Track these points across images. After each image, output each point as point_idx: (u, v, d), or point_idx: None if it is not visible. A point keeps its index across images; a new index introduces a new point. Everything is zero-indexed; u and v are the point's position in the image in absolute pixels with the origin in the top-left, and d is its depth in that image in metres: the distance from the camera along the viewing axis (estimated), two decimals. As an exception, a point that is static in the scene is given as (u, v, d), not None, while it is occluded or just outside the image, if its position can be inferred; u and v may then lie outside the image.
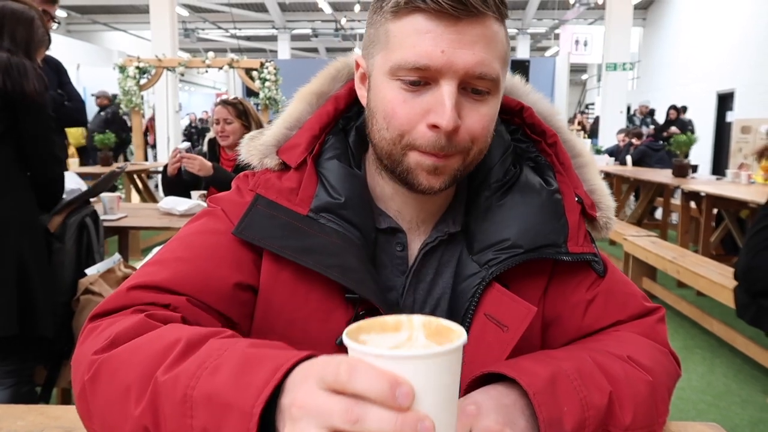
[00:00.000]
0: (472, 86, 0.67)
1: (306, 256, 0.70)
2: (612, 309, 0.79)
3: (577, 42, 13.16)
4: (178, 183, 2.91)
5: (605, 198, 0.82)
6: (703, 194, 4.56)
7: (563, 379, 0.62)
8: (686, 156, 5.36)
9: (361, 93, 0.76)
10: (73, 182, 2.45)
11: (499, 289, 0.73)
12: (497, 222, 0.76)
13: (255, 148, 0.79)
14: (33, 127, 1.74)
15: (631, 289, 0.83)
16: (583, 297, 0.78)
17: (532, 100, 0.83)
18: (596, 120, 11.83)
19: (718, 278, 2.98)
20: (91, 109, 11.82)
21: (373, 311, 0.70)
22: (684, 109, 10.19)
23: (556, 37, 16.14)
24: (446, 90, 0.65)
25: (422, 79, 0.66)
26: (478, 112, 0.68)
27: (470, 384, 0.65)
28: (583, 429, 0.60)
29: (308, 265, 0.70)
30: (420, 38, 0.65)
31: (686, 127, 9.53)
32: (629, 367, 0.69)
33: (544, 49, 21.02)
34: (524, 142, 0.83)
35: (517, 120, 0.83)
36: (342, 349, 0.71)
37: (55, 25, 3.07)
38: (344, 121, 0.81)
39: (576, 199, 0.79)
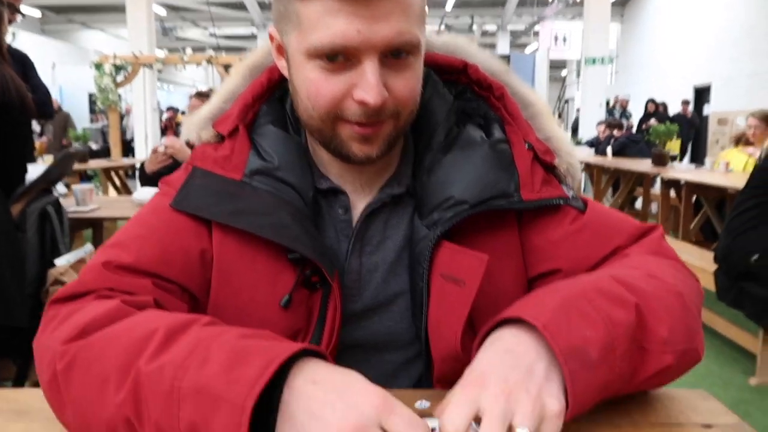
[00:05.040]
0: (393, 52, 0.65)
1: (238, 218, 0.70)
2: (606, 235, 0.75)
3: (556, 38, 13.22)
4: (158, 177, 2.87)
5: (564, 144, 0.80)
6: (682, 182, 4.58)
7: (579, 301, 0.56)
8: (664, 145, 5.38)
9: (281, 64, 0.75)
10: (38, 172, 2.38)
11: (448, 246, 0.70)
12: (440, 182, 0.74)
13: (192, 123, 0.80)
14: (2, 129, 1.74)
15: (620, 215, 0.79)
16: (567, 230, 0.75)
17: (480, 59, 0.82)
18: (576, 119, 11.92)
19: (698, 262, 2.98)
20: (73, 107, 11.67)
21: (319, 272, 0.70)
22: (665, 106, 10.31)
23: (536, 33, 16.21)
24: (369, 67, 0.64)
25: (341, 57, 0.64)
26: (403, 77, 0.67)
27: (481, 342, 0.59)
28: (612, 351, 0.54)
29: (241, 226, 0.69)
30: (332, 19, 0.62)
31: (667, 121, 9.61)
32: (653, 280, 0.63)
33: (524, 45, 21.12)
34: (474, 101, 0.81)
35: (463, 79, 0.81)
36: (286, 311, 0.71)
37: (19, 18, 2.98)
38: (281, 91, 0.81)
39: (526, 146, 0.76)
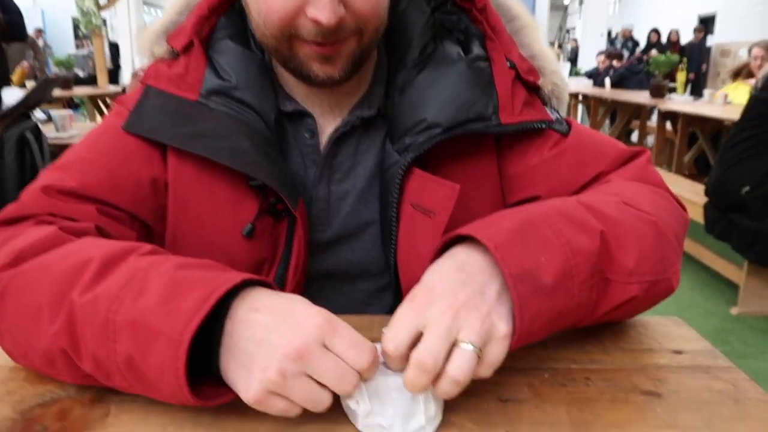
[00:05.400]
0: None
1: (194, 142, 0.65)
2: (588, 160, 0.71)
3: (559, -38, 12.69)
4: None
5: (550, 63, 0.74)
6: (679, 114, 4.51)
7: (539, 224, 0.52)
8: (667, 77, 5.27)
9: None
10: (18, 98, 2.30)
11: (419, 174, 0.67)
12: (412, 103, 0.69)
13: (145, 38, 0.73)
14: None
15: (605, 138, 0.75)
16: (547, 154, 0.71)
17: None
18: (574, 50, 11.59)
19: (689, 195, 2.97)
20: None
21: (284, 200, 0.66)
22: (677, 34, 10.03)
23: (539, -44, 15.53)
24: None
25: None
26: None
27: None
28: (570, 279, 0.51)
29: (196, 150, 0.65)
30: None
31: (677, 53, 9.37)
32: (627, 208, 0.59)
33: (526, -30, 20.30)
34: (455, 14, 0.74)
35: None
36: (250, 241, 0.68)
37: None
38: (240, 3, 0.73)
39: (508, 64, 0.71)
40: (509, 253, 0.49)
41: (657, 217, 0.60)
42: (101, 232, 0.62)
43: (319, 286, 0.76)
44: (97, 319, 0.46)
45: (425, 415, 0.47)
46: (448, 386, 0.46)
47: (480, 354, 0.47)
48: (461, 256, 0.52)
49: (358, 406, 0.47)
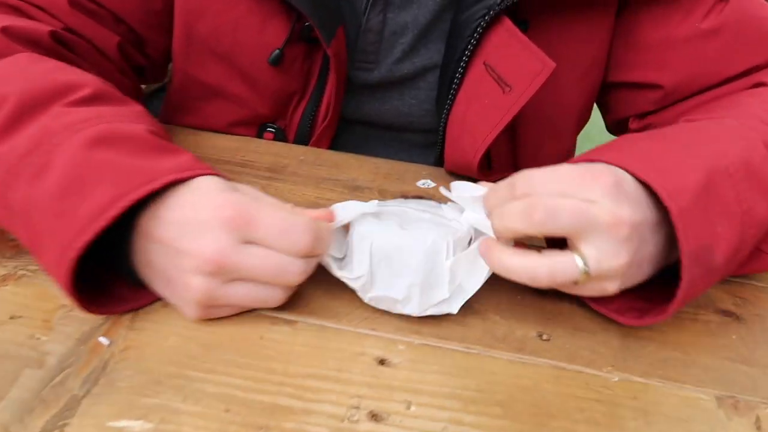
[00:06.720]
0: None
1: None
2: (745, 45, 0.53)
3: None
4: None
5: None
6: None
7: (723, 181, 0.39)
8: None
9: None
10: None
11: (508, 27, 0.51)
12: None
13: None
14: None
15: None
16: (697, 29, 0.54)
17: None
18: None
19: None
20: None
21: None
22: None
23: None
24: None
25: None
26: None
27: None
28: (737, 253, 0.39)
29: None
30: None
31: None
32: None
33: None
34: None
35: None
36: (276, 70, 0.57)
37: None
38: None
39: None
40: (692, 223, 0.36)
41: None
42: (64, 40, 0.51)
43: (361, 132, 0.67)
44: None
45: (450, 285, 0.39)
46: (523, 270, 0.37)
47: (577, 282, 0.37)
48: (623, 175, 0.38)
49: (356, 280, 0.39)
